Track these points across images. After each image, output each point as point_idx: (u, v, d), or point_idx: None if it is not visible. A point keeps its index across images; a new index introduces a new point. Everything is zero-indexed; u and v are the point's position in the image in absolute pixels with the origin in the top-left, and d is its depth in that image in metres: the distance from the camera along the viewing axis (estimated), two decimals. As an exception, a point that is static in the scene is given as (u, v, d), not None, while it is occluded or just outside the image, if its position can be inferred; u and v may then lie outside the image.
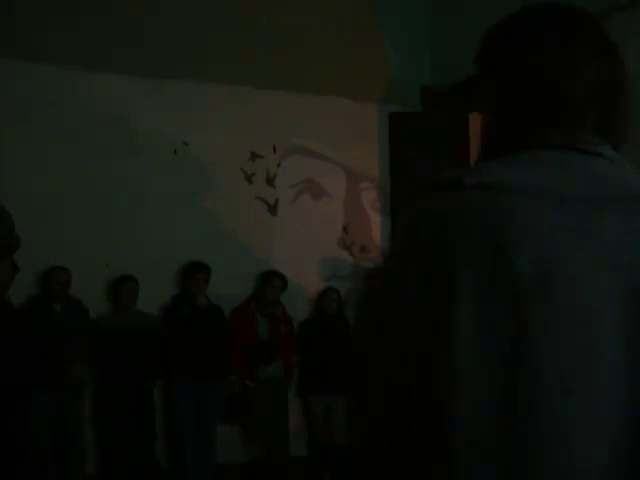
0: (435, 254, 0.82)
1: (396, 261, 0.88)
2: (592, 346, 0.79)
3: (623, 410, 0.78)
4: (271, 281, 5.39)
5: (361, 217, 6.07)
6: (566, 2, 0.96)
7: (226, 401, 5.14)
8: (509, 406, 0.77)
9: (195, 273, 5.20)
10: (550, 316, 0.79)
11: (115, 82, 5.31)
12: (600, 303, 0.80)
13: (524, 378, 0.78)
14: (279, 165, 5.88)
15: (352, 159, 6.03)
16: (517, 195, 0.83)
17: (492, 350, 0.78)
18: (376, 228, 6.11)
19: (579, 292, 0.80)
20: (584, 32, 0.93)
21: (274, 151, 5.86)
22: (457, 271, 0.80)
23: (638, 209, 0.85)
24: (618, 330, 0.79)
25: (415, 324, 0.82)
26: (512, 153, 0.89)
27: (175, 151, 5.53)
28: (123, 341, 4.86)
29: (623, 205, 0.85)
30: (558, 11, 0.94)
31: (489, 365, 0.78)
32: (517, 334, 0.78)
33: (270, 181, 5.85)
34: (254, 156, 5.79)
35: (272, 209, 5.83)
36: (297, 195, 5.91)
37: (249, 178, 5.77)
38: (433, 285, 0.81)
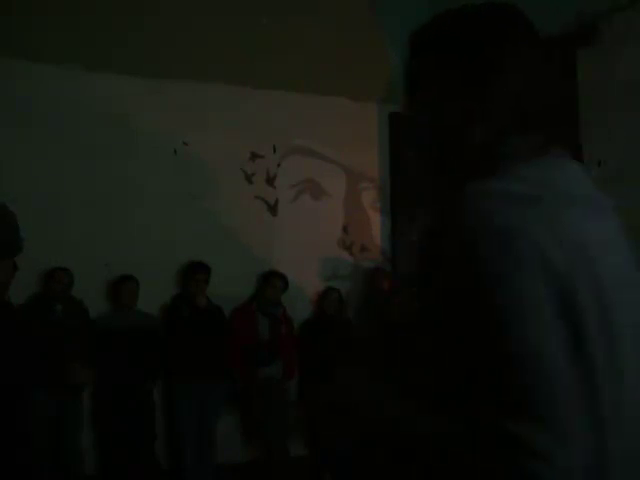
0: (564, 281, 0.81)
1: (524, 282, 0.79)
2: None
3: None
4: (272, 281, 5.39)
5: (361, 217, 6.07)
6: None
7: (227, 399, 5.15)
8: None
9: (195, 273, 5.20)
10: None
11: (115, 82, 5.31)
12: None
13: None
14: (279, 165, 5.88)
15: (352, 159, 6.03)
16: (581, 209, 0.86)
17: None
18: (376, 228, 6.11)
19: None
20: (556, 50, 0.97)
21: (274, 151, 5.86)
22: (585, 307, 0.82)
23: (609, 207, 0.91)
24: None
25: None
26: (508, 163, 0.88)
27: (175, 151, 5.53)
28: (123, 341, 4.86)
29: (606, 204, 0.91)
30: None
31: None
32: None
33: (270, 181, 5.85)
34: (254, 156, 5.79)
35: (272, 209, 5.83)
36: (297, 195, 5.91)
37: (249, 178, 5.77)
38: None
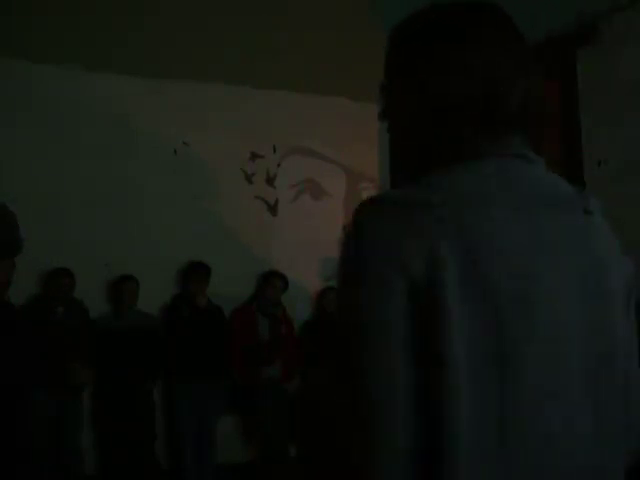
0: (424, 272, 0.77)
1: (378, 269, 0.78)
2: (563, 358, 0.81)
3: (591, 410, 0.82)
4: (272, 281, 5.39)
5: (361, 217, 6.06)
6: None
7: (227, 399, 5.15)
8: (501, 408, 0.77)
9: (195, 273, 5.20)
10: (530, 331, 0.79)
11: (115, 82, 5.31)
12: (570, 311, 0.82)
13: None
14: (279, 165, 5.88)
15: (352, 159, 6.03)
16: (485, 208, 0.80)
17: (483, 365, 0.76)
18: (376, 228, 6.10)
19: (553, 305, 0.81)
20: (517, 42, 0.90)
21: (274, 151, 5.86)
22: (446, 293, 0.76)
23: (574, 208, 0.87)
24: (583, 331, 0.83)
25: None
26: (452, 163, 0.85)
27: (175, 151, 5.53)
28: (123, 341, 4.86)
29: (568, 206, 0.87)
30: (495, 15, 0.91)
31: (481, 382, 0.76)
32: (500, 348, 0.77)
33: (270, 181, 5.85)
34: (254, 156, 5.79)
35: (272, 209, 5.83)
36: (297, 195, 5.91)
37: (249, 178, 5.77)
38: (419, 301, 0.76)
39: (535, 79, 0.91)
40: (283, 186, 5.86)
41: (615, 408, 0.85)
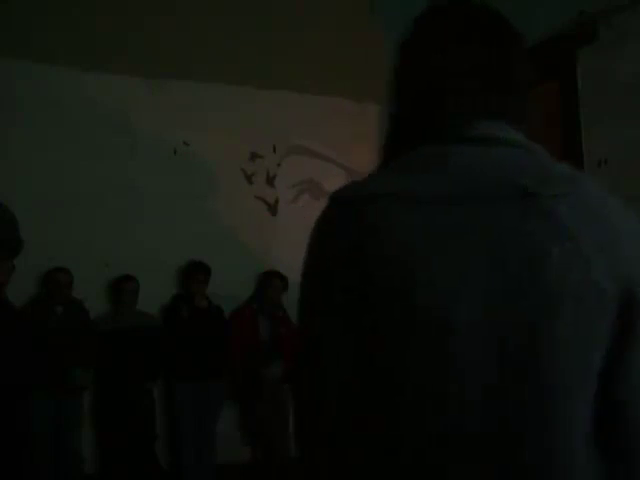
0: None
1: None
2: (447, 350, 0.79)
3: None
4: (272, 281, 5.39)
5: (361, 217, 6.06)
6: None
7: (227, 399, 5.15)
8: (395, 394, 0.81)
9: (195, 273, 5.20)
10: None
11: (115, 82, 5.31)
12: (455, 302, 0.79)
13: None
14: (279, 165, 5.88)
15: (352, 159, 6.03)
16: (381, 202, 0.82)
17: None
18: (376, 228, 6.10)
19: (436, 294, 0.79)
20: (478, 21, 0.93)
21: (274, 151, 5.86)
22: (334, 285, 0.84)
23: (516, 195, 0.81)
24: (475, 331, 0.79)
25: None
26: (403, 153, 0.89)
27: (175, 151, 5.53)
28: (123, 341, 4.86)
29: (509, 193, 0.81)
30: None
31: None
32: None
33: (270, 181, 5.85)
34: (254, 156, 5.79)
35: (272, 209, 5.83)
36: (297, 195, 5.91)
37: (249, 178, 5.77)
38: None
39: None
40: (283, 186, 5.86)
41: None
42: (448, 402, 0.78)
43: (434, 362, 0.79)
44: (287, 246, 5.65)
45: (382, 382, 0.81)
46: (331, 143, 5.94)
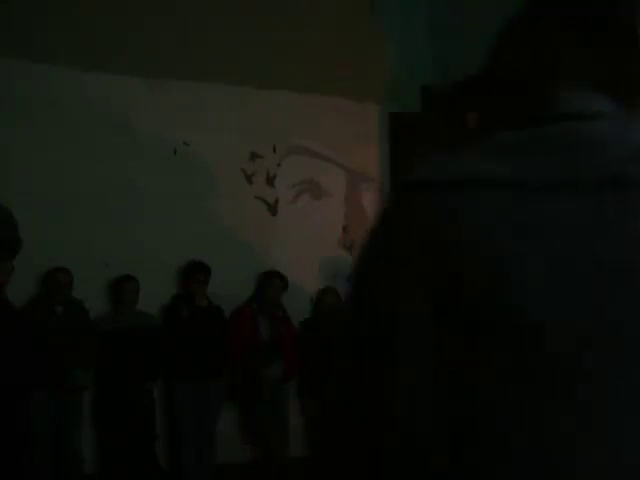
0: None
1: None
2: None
3: None
4: (272, 281, 5.39)
5: (361, 217, 6.07)
6: None
7: (227, 399, 5.15)
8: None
9: (195, 273, 5.20)
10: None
11: (115, 82, 5.31)
12: None
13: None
14: (279, 165, 5.88)
15: (352, 159, 6.03)
16: (475, 190, 0.72)
17: None
18: (376, 228, 6.10)
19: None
20: None
21: (274, 151, 5.86)
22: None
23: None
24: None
25: None
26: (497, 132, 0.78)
27: (175, 151, 5.53)
28: (123, 341, 4.86)
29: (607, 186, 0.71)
30: None
31: None
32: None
33: (270, 181, 5.85)
34: (254, 156, 5.79)
35: (272, 209, 5.83)
36: (297, 195, 5.91)
37: (249, 178, 5.77)
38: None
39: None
40: (283, 186, 5.86)
41: None
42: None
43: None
44: (287, 246, 5.66)
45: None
46: (331, 143, 5.94)
